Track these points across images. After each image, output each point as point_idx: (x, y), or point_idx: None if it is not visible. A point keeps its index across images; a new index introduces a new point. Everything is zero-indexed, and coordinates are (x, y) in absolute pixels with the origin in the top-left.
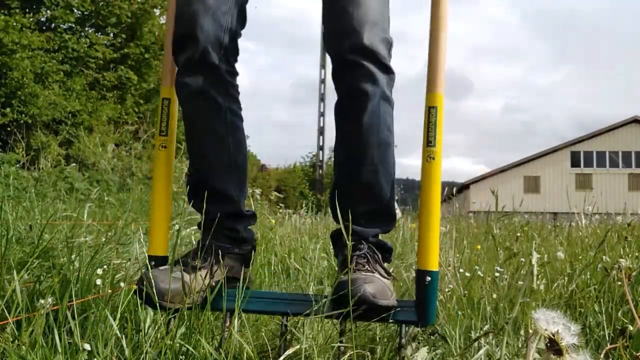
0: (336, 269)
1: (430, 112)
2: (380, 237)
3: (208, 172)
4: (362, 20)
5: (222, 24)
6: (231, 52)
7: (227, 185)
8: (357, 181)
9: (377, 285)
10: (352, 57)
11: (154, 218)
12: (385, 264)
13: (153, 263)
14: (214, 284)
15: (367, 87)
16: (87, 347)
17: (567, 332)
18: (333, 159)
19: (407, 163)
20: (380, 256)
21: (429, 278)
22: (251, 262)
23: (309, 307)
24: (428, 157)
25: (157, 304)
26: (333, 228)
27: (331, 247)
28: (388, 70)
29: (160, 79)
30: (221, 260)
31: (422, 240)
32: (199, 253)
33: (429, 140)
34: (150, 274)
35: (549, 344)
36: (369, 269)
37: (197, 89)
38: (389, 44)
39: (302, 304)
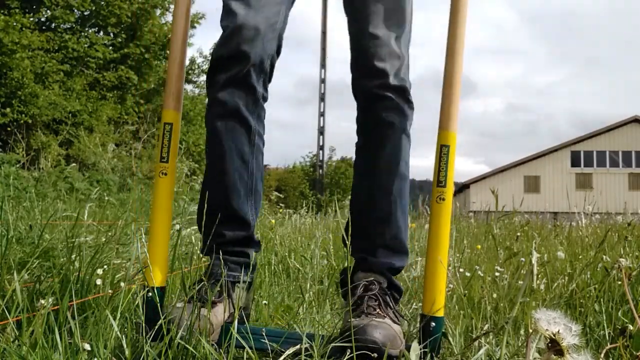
0: (340, 266)
1: (442, 150)
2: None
3: (227, 193)
4: (392, 62)
5: (267, 50)
6: (268, 78)
7: (245, 208)
8: (375, 212)
9: (387, 333)
10: (381, 92)
11: (152, 249)
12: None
13: (150, 295)
14: (228, 319)
15: (394, 118)
16: (88, 347)
17: (568, 333)
18: (350, 198)
19: None
20: (392, 298)
21: (434, 324)
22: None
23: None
24: (438, 197)
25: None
26: (333, 228)
27: (331, 256)
28: (411, 106)
29: (159, 78)
30: (232, 293)
31: (429, 285)
32: (210, 284)
33: (440, 180)
34: (172, 310)
35: (550, 344)
36: (380, 313)
37: (233, 107)
38: (410, 85)
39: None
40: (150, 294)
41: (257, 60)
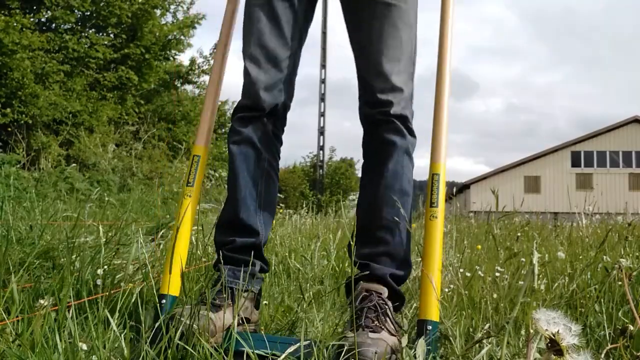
0: (341, 267)
1: (434, 178)
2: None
3: (238, 206)
4: (394, 95)
5: (278, 98)
6: (280, 121)
7: (253, 219)
8: (379, 222)
9: (382, 351)
10: (384, 117)
11: (172, 260)
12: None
13: (164, 301)
14: (234, 322)
15: (395, 138)
16: (86, 347)
17: (568, 333)
18: (356, 205)
19: None
20: (391, 308)
21: (430, 327)
22: (260, 305)
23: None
24: (431, 216)
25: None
26: (333, 228)
27: (331, 256)
28: (412, 134)
29: (159, 78)
30: (237, 301)
31: (424, 293)
32: (219, 290)
33: (432, 202)
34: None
35: (549, 345)
36: (377, 324)
37: (247, 136)
38: (412, 114)
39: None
40: (164, 300)
41: (270, 108)
